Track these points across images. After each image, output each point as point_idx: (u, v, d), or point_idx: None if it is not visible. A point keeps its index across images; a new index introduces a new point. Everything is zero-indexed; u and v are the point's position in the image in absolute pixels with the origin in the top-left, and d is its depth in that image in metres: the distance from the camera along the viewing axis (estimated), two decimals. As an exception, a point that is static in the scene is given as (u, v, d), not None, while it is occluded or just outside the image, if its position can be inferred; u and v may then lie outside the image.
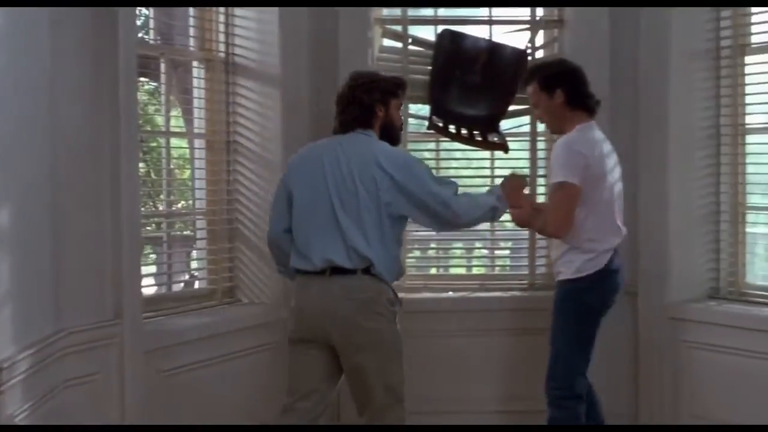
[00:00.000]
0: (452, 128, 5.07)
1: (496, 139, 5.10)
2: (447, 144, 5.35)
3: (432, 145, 5.32)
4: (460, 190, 3.95)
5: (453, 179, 4.15)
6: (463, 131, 5.09)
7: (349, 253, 3.73)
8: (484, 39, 5.17)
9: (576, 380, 4.16)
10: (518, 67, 5.04)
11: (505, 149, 5.12)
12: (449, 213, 3.83)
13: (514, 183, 4.20)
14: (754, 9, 4.86)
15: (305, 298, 3.86)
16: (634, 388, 5.08)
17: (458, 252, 5.87)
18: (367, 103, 3.90)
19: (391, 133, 4.01)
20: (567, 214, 4.06)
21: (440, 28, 5.17)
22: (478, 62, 5.04)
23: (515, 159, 5.39)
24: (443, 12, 5.36)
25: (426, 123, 5.18)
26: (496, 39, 5.20)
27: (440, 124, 5.11)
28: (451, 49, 5.05)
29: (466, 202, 3.92)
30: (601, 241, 4.13)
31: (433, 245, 5.73)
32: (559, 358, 4.19)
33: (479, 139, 5.10)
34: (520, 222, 4.37)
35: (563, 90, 4.18)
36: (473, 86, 5.04)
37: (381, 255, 3.77)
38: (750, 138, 4.99)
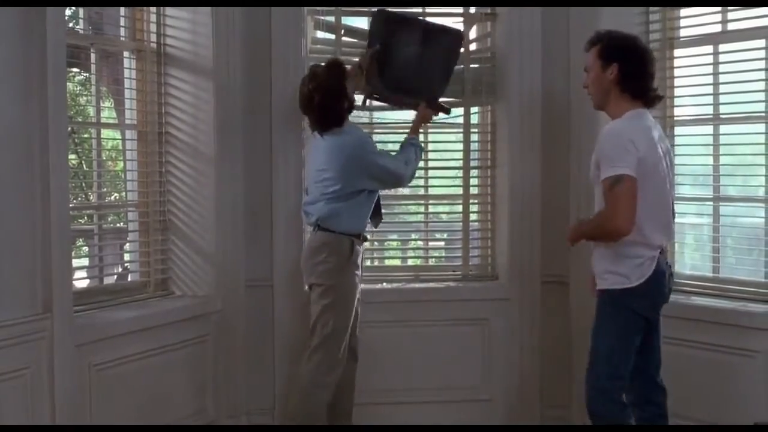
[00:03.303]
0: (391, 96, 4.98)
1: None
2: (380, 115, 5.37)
3: (365, 120, 5.30)
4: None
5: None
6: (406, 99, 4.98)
7: (311, 213, 4.54)
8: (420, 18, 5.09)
9: (613, 384, 3.79)
10: (454, 44, 4.98)
11: (447, 111, 5.00)
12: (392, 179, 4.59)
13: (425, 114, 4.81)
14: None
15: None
16: (568, 377, 5.12)
17: (393, 244, 5.88)
18: (336, 109, 4.45)
19: (349, 110, 4.54)
20: (632, 208, 3.62)
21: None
22: (417, 29, 4.89)
23: (449, 150, 5.47)
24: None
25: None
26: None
27: (377, 96, 5.02)
28: (390, 21, 4.88)
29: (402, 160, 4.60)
30: (649, 244, 3.77)
31: (368, 237, 5.71)
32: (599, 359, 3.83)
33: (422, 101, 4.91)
34: (576, 235, 4.01)
35: (619, 66, 3.78)
36: (414, 57, 4.87)
37: (324, 213, 4.46)
38: (678, 130, 5.08)
